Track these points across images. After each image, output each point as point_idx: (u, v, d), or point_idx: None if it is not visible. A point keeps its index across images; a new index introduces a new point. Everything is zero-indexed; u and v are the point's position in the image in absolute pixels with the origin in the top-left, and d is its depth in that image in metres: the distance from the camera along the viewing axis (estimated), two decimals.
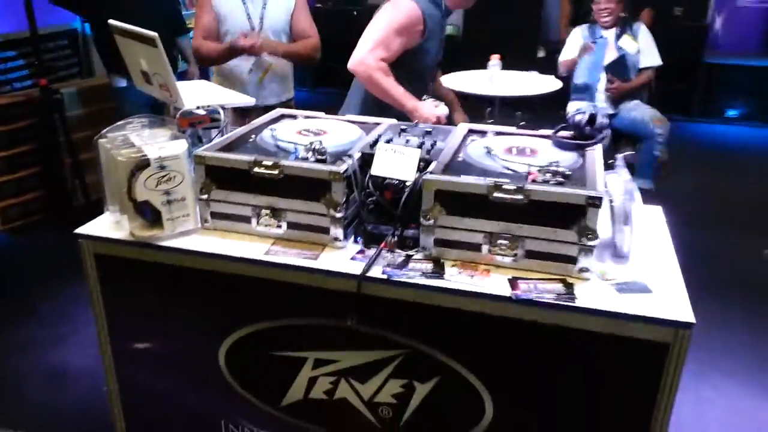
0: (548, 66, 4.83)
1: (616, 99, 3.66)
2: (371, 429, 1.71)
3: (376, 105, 2.47)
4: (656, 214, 1.91)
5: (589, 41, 3.69)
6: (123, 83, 3.38)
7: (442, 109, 2.42)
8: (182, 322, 1.77)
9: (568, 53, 3.79)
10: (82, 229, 1.75)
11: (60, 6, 3.53)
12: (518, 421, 1.58)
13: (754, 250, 3.50)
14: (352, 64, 2.40)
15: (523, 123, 1.84)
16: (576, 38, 3.75)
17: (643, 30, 3.71)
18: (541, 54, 5.95)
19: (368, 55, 2.37)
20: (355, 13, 6.23)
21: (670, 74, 5.88)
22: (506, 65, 4.56)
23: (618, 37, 3.66)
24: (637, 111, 3.68)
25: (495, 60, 3.20)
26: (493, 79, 3.35)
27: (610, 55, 3.64)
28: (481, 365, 1.55)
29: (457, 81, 3.66)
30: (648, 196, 3.60)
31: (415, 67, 2.51)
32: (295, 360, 1.69)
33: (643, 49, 3.68)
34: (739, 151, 5.28)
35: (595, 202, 1.43)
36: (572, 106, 3.70)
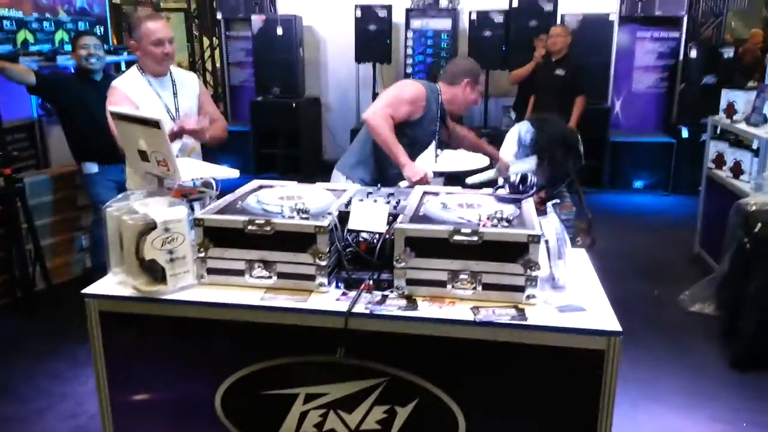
0: None
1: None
2: None
3: (372, 156, 2.99)
4: (581, 254, 2.27)
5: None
6: (94, 169, 3.58)
7: (428, 170, 2.84)
8: (180, 370, 1.94)
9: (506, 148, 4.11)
10: (88, 289, 1.93)
11: (36, 95, 3.76)
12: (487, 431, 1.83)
13: (657, 293, 3.98)
14: (366, 114, 2.89)
15: (499, 186, 2.23)
16: (513, 136, 4.09)
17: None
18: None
19: (380, 110, 2.88)
20: (294, 104, 6.69)
21: (584, 152, 6.63)
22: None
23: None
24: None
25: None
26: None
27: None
28: (452, 385, 1.81)
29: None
30: None
31: (410, 135, 2.97)
32: (287, 397, 1.89)
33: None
34: (645, 216, 5.91)
35: (535, 239, 1.77)
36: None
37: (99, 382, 1.97)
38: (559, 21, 6.21)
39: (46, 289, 3.71)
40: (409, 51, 6.67)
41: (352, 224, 1.95)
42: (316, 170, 6.53)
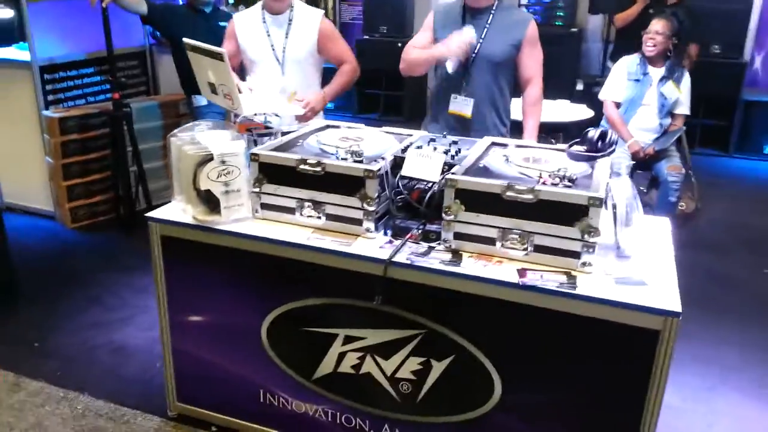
0: (586, 99, 5.02)
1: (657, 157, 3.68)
2: (392, 403, 1.91)
3: (431, 105, 2.84)
4: (663, 224, 2.07)
5: (636, 75, 3.71)
6: (203, 101, 3.72)
7: (465, 33, 2.52)
8: (231, 298, 2.02)
9: (612, 81, 3.81)
10: (152, 213, 2.03)
11: (148, 25, 3.93)
12: (523, 399, 1.76)
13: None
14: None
15: (575, 141, 2.02)
16: (622, 68, 3.79)
17: (686, 78, 3.71)
18: (579, 87, 6.12)
19: (404, 52, 2.71)
20: (399, 44, 6.54)
21: (709, 111, 6.01)
22: (547, 96, 4.78)
23: (663, 80, 3.69)
24: (661, 158, 3.71)
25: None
26: None
27: (650, 96, 3.68)
28: (491, 347, 1.74)
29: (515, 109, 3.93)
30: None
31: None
32: (327, 336, 1.92)
33: (684, 97, 3.72)
34: None
35: (596, 202, 1.62)
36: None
37: (159, 300, 2.10)
38: None
39: (147, 209, 3.99)
40: None
41: (405, 171, 1.88)
42: (419, 113, 6.42)
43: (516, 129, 2.87)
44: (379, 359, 1.88)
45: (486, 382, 1.77)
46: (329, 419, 2.02)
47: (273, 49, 2.80)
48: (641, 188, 3.83)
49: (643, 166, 3.80)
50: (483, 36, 2.62)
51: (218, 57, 1.94)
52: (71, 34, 3.96)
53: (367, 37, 6.91)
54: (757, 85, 6.30)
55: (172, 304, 2.10)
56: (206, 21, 3.80)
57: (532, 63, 2.70)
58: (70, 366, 2.59)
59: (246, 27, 2.83)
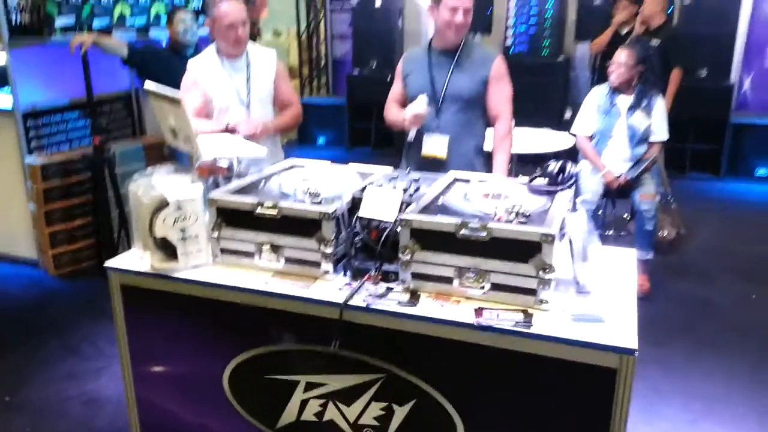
0: None
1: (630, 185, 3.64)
2: None
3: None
4: (628, 256, 2.04)
5: (604, 107, 3.71)
6: None
7: (417, 105, 2.57)
8: (192, 347, 1.98)
9: (583, 115, 3.82)
10: (110, 262, 2.02)
11: (128, 67, 3.98)
12: None
13: (755, 297, 3.54)
14: None
15: (536, 176, 2.00)
16: (593, 100, 3.80)
17: (658, 104, 3.65)
18: (568, 115, 6.15)
19: (385, 108, 2.86)
20: (389, 78, 6.62)
21: (698, 134, 6.01)
22: (535, 124, 4.81)
23: (631, 109, 3.64)
24: (635, 187, 3.66)
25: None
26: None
27: (620, 127, 3.65)
28: (451, 389, 1.70)
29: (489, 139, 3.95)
30: (659, 264, 3.66)
31: (411, 96, 2.72)
32: (289, 383, 1.88)
33: (656, 124, 3.64)
34: (763, 208, 5.27)
35: (548, 238, 1.60)
36: (583, 166, 3.80)
37: (121, 351, 2.07)
38: None
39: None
40: (511, 21, 6.35)
41: (362, 211, 1.87)
42: (402, 164, 6.45)
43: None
44: (341, 405, 1.84)
45: (448, 426, 1.72)
46: None
47: (238, 94, 2.82)
48: (624, 216, 3.81)
49: (623, 195, 3.78)
50: (449, 75, 2.65)
51: (176, 102, 1.95)
52: (55, 79, 4.01)
53: (357, 72, 7.00)
54: (746, 108, 6.32)
55: (134, 354, 2.07)
56: (185, 64, 3.84)
57: (500, 99, 2.72)
58: (41, 419, 2.57)
59: (207, 72, 2.84)
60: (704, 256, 4.17)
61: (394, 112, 2.79)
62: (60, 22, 3.67)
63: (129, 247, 3.88)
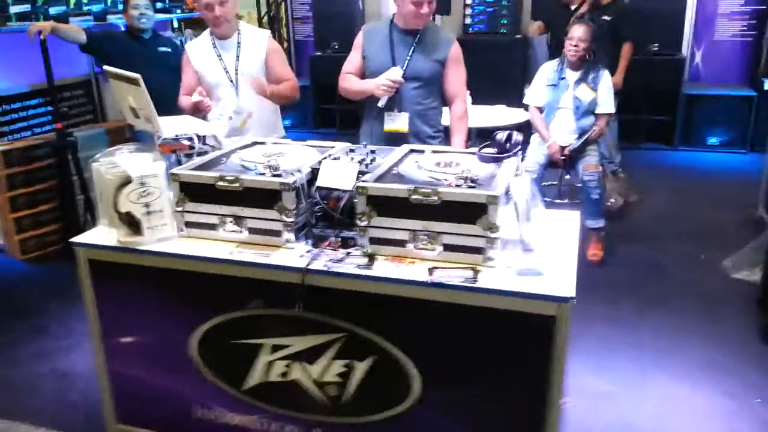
0: None
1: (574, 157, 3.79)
2: (321, 407, 1.97)
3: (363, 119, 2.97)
4: (572, 217, 2.17)
5: (553, 80, 3.85)
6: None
7: (392, 73, 2.68)
8: (160, 317, 2.07)
9: (534, 87, 3.97)
10: (77, 238, 2.08)
11: (87, 53, 3.98)
12: (441, 393, 1.83)
13: (707, 260, 3.74)
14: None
15: (485, 145, 2.13)
16: (543, 74, 3.94)
17: (604, 78, 3.77)
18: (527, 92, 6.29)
19: (340, 78, 2.89)
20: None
21: (651, 106, 6.22)
22: (495, 101, 4.93)
23: (577, 83, 3.79)
24: (578, 158, 3.79)
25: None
26: None
27: (566, 99, 3.80)
28: (407, 345, 1.82)
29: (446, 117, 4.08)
30: (615, 229, 3.82)
31: (371, 71, 2.81)
32: (255, 347, 1.98)
33: (601, 98, 3.77)
34: (713, 175, 5.51)
35: (494, 200, 1.72)
36: (533, 138, 3.95)
37: (91, 323, 2.14)
38: None
39: None
40: (469, 1, 6.44)
41: (320, 181, 1.96)
42: (362, 139, 6.53)
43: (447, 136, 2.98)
44: (305, 365, 1.94)
45: (405, 379, 1.84)
46: (262, 428, 2.08)
47: (226, 72, 2.92)
48: (578, 184, 3.96)
49: (569, 167, 3.93)
50: (410, 54, 2.74)
51: (134, 82, 2.01)
52: (14, 67, 3.99)
53: (319, 53, 7.03)
54: (699, 79, 6.55)
55: (104, 327, 2.14)
56: (145, 47, 3.87)
57: (456, 80, 2.84)
58: (13, 396, 2.62)
59: (199, 54, 2.95)
60: (655, 222, 4.37)
61: (357, 82, 2.84)
62: (15, 9, 3.65)
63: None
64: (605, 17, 4.79)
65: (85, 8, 4.09)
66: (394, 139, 2.77)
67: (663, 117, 6.21)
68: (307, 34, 7.70)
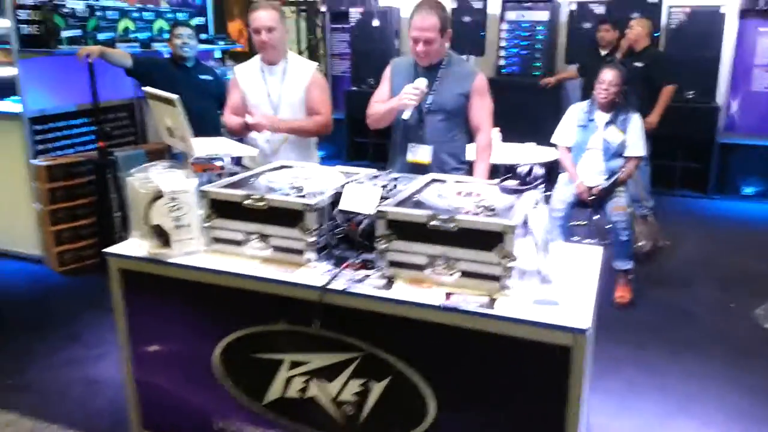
0: None
1: (603, 197, 3.80)
2: (336, 426, 1.99)
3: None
4: (593, 251, 2.18)
5: (582, 121, 3.88)
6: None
7: (417, 82, 2.70)
8: (185, 328, 2.13)
9: (563, 127, 3.99)
10: (109, 249, 2.17)
11: (131, 77, 4.18)
12: (457, 418, 1.84)
13: (734, 305, 3.67)
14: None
15: (507, 177, 2.18)
16: (573, 115, 3.97)
17: (634, 120, 3.80)
18: None
19: (368, 107, 2.93)
20: None
21: (686, 153, 6.18)
22: (524, 141, 4.98)
23: (607, 125, 3.82)
24: (607, 199, 3.81)
25: (495, 132, 3.40)
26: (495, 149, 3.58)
27: (595, 140, 3.82)
28: (423, 368, 1.84)
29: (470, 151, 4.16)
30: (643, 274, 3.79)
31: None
32: (275, 362, 2.02)
33: (631, 140, 3.79)
34: (746, 225, 5.42)
35: (510, 229, 1.75)
36: (561, 177, 3.96)
37: (120, 331, 2.21)
38: (665, 13, 5.84)
39: None
40: (503, 43, 6.56)
41: (343, 204, 2.02)
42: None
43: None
44: (322, 383, 1.97)
45: (421, 402, 1.85)
46: None
47: (269, 96, 3.02)
48: (608, 227, 3.95)
49: (597, 207, 3.92)
50: (434, 88, 2.81)
51: (171, 103, 2.12)
52: (62, 87, 4.20)
53: (355, 88, 7.21)
54: (734, 129, 6.50)
55: (132, 335, 2.21)
56: (187, 75, 4.05)
57: (481, 112, 2.87)
58: (44, 399, 2.69)
59: (246, 76, 3.09)
60: (686, 268, 4.30)
61: (379, 106, 2.89)
62: (66, 33, 3.86)
63: None
64: (638, 63, 4.85)
65: (132, 35, 4.30)
66: (418, 170, 2.83)
67: (697, 165, 6.16)
68: (344, 69, 7.91)
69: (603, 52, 5.19)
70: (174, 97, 2.11)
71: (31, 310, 3.56)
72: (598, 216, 4.32)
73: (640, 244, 3.73)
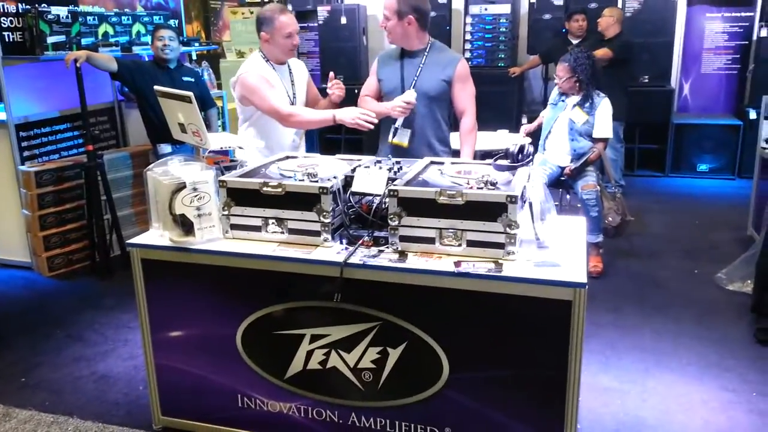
0: None
1: (573, 176, 4.02)
2: (357, 392, 2.16)
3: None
4: (578, 223, 2.40)
5: (554, 100, 4.14)
6: (167, 149, 4.02)
7: (407, 95, 2.91)
8: (208, 312, 2.26)
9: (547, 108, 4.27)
10: (132, 240, 2.29)
11: (117, 80, 4.23)
12: (468, 375, 2.02)
13: (698, 272, 3.98)
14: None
15: (500, 156, 2.38)
16: (553, 93, 4.24)
17: (603, 104, 4.01)
18: (524, 121, 6.58)
19: (359, 100, 3.16)
20: (356, 90, 6.99)
21: (644, 136, 6.53)
22: (491, 128, 5.21)
23: (574, 106, 4.06)
24: (577, 178, 4.03)
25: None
26: None
27: (562, 119, 4.08)
28: (437, 331, 2.02)
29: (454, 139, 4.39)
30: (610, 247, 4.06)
31: (385, 92, 3.11)
32: (296, 337, 2.17)
33: (598, 122, 4.01)
34: (704, 199, 5.78)
35: (513, 199, 1.94)
36: (535, 159, 4.21)
37: (141, 319, 2.33)
38: (620, 2, 6.16)
39: (121, 254, 4.22)
40: (468, 36, 6.79)
41: (355, 187, 2.19)
42: (378, 154, 6.80)
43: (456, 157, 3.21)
44: (342, 353, 2.13)
45: (435, 362, 2.03)
46: (302, 415, 2.25)
47: (288, 95, 3.13)
48: (578, 205, 4.20)
49: (566, 186, 4.19)
50: (418, 74, 3.00)
51: (187, 100, 2.24)
52: (45, 93, 4.23)
53: (325, 86, 7.34)
54: (687, 110, 6.88)
55: (153, 322, 2.33)
56: (170, 76, 4.13)
57: (464, 96, 3.07)
58: (57, 396, 2.77)
59: (271, 77, 3.10)
60: (652, 241, 4.60)
61: (373, 103, 3.08)
62: (52, 39, 3.91)
63: (121, 248, 4.15)
64: (608, 48, 5.20)
65: (112, 39, 4.35)
66: (399, 153, 2.99)
67: (655, 145, 6.51)
68: (313, 67, 8.02)
69: (575, 41, 5.48)
70: (189, 94, 2.23)
71: (29, 314, 3.60)
72: (569, 196, 4.59)
73: (609, 219, 3.98)
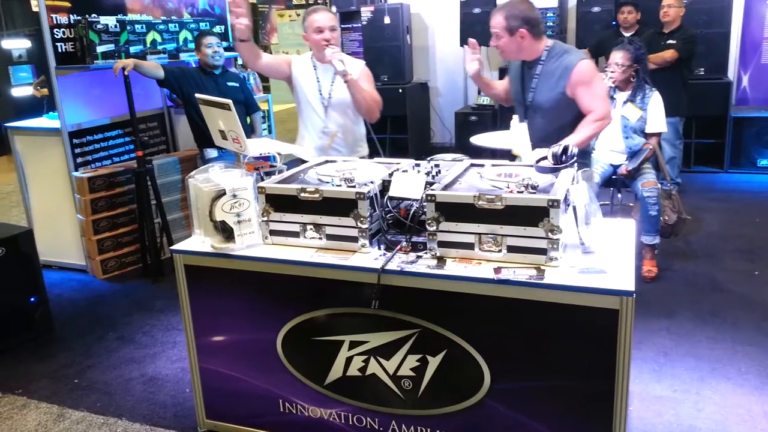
0: None
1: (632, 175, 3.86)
2: (397, 400, 2.13)
3: None
4: (628, 226, 2.31)
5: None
6: (213, 154, 4.10)
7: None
8: (248, 317, 2.27)
9: None
10: (175, 246, 2.32)
11: (164, 87, 4.33)
12: (510, 385, 1.97)
13: (758, 273, 3.77)
14: None
15: (542, 158, 2.29)
16: None
17: (654, 98, 3.86)
18: None
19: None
20: (401, 90, 6.97)
21: (701, 130, 6.27)
22: None
23: (625, 102, 3.90)
24: (635, 176, 3.86)
25: (514, 119, 3.47)
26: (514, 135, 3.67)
27: (614, 116, 3.89)
28: (477, 339, 1.97)
29: (488, 139, 4.32)
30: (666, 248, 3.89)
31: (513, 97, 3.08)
32: (335, 343, 2.16)
33: (651, 117, 3.87)
34: (765, 196, 5.50)
35: (555, 203, 1.87)
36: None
37: (186, 324, 2.36)
38: None
39: (171, 257, 4.30)
40: None
41: (392, 192, 2.16)
42: (424, 153, 6.75)
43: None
44: (381, 360, 2.11)
45: (476, 371, 1.99)
46: (342, 421, 2.24)
47: (320, 94, 3.11)
48: (630, 204, 4.06)
49: (624, 185, 4.03)
50: (533, 86, 2.85)
51: (226, 107, 2.26)
52: (97, 101, 4.37)
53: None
54: (746, 102, 6.56)
55: (197, 327, 2.36)
56: (216, 82, 4.21)
57: (588, 99, 2.76)
58: (108, 397, 2.85)
59: (300, 68, 3.14)
60: (709, 241, 4.40)
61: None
62: (101, 49, 4.02)
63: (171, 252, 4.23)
64: (671, 41, 5.01)
65: (160, 47, 4.45)
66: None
67: (713, 140, 6.24)
68: None
69: (627, 34, 5.31)
70: (228, 101, 2.25)
71: (80, 316, 3.72)
72: (620, 195, 4.44)
73: (665, 218, 3.83)
